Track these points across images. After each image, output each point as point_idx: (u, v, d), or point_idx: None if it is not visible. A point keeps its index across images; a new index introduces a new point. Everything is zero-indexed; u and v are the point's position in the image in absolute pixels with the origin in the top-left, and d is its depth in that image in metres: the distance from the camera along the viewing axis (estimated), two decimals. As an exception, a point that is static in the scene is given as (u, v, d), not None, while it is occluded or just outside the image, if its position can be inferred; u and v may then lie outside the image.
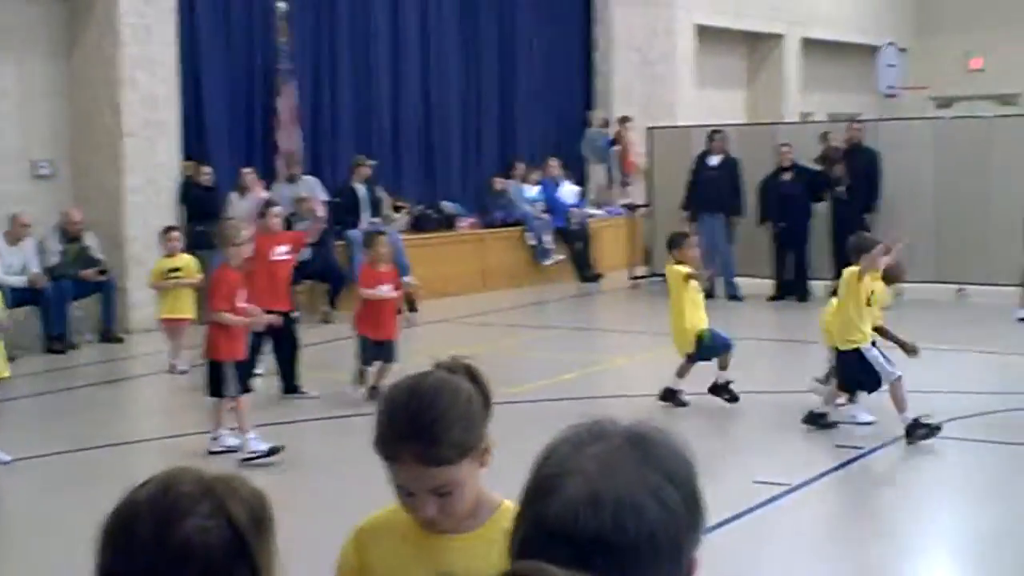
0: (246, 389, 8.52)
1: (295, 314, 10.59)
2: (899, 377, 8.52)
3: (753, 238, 16.63)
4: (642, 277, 18.21)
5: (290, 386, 10.30)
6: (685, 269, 9.79)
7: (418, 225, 17.63)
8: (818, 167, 16.41)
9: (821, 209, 16.25)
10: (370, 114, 18.04)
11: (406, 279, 15.90)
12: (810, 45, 27.23)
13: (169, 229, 12.27)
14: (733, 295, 16.40)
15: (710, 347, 9.73)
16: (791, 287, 16.30)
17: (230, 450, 8.31)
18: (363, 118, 17.94)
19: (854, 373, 8.73)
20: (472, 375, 2.36)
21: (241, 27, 16.27)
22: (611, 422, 1.50)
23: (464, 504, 2.31)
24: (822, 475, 7.81)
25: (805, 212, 16.31)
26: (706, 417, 9.60)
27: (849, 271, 8.81)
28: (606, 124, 21.31)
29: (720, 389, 9.73)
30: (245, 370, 8.64)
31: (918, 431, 8.38)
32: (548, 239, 18.57)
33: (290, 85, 15.95)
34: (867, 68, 26.07)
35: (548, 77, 21.19)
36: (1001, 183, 15.75)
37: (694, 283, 9.78)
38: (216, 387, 8.40)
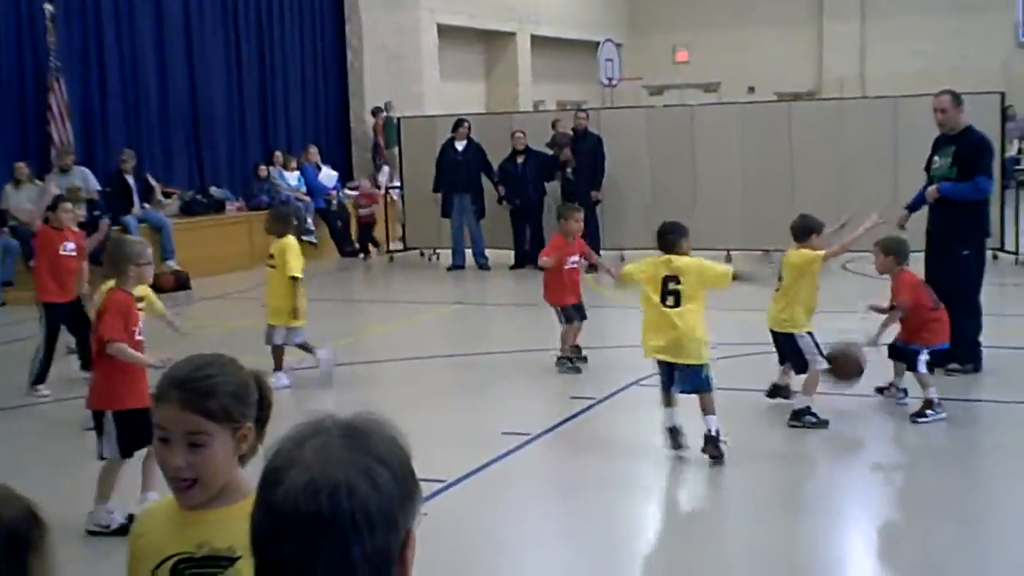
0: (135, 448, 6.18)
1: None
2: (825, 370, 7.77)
3: (496, 214, 17.04)
4: (397, 251, 18.38)
5: (89, 363, 10.01)
6: (818, 254, 7.74)
7: (188, 209, 17.34)
8: (549, 151, 16.94)
9: (552, 187, 16.78)
10: (138, 108, 17.61)
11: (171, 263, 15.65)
12: (539, 41, 27.87)
13: None
14: (483, 265, 16.86)
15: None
16: (529, 256, 16.77)
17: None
18: (132, 112, 17.50)
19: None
20: (258, 379, 2.41)
21: (10, 27, 15.59)
22: (330, 418, 1.56)
23: (213, 470, 2.30)
24: (560, 424, 8.03)
25: (538, 190, 16.84)
26: (460, 374, 9.84)
27: (811, 254, 7.79)
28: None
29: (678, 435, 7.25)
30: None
31: (806, 417, 7.71)
32: (309, 219, 18.50)
33: (60, 82, 15.47)
34: (589, 62, 26.90)
35: (305, 73, 21.04)
36: (705, 161, 16.63)
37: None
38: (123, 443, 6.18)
